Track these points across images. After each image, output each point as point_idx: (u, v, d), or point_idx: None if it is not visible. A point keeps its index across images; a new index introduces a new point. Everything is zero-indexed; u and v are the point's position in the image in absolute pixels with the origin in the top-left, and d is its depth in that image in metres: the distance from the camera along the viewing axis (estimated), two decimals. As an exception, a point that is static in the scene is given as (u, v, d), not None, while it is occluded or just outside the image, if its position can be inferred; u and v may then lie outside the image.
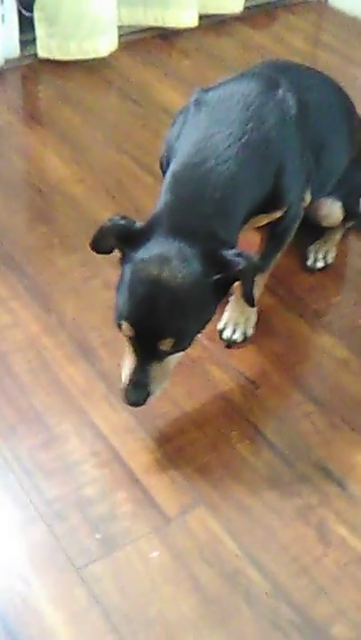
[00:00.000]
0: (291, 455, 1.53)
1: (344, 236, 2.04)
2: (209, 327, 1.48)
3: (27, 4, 2.65)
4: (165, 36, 2.93)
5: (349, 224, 2.01)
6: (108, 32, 2.70)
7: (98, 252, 1.49)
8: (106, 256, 1.50)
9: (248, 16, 3.09)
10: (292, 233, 1.73)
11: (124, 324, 1.39)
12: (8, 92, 2.61)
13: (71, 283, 1.88)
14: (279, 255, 1.76)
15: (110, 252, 1.48)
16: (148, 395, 1.42)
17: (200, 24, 2.96)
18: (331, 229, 1.98)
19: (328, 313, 1.87)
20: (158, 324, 1.37)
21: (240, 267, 1.40)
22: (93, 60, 2.72)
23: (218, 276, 1.40)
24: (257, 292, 1.62)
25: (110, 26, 2.71)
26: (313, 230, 1.96)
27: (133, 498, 1.44)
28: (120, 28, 2.78)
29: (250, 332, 1.75)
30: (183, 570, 1.34)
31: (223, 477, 1.49)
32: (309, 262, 1.97)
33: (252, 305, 1.53)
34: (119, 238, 1.44)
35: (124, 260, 1.44)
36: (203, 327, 1.45)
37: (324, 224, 1.96)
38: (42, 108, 2.60)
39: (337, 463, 1.52)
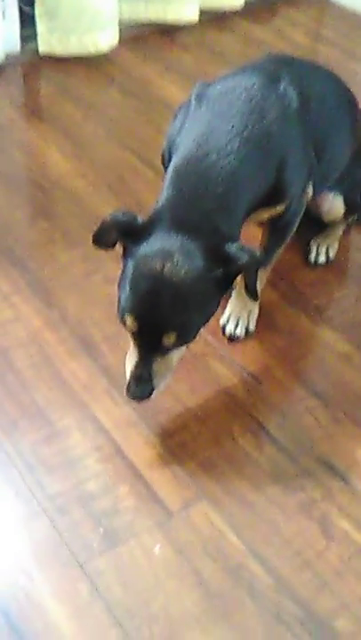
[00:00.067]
0: (294, 450, 1.53)
1: (346, 231, 2.04)
2: (211, 322, 1.48)
3: (27, -1, 2.65)
4: (166, 30, 2.93)
5: (351, 219, 2.01)
6: (108, 27, 2.70)
7: (100, 247, 1.49)
8: (108, 251, 1.50)
9: (249, 11, 3.09)
10: (294, 227, 1.73)
11: (128, 319, 1.39)
12: (9, 87, 2.61)
13: (73, 278, 1.88)
14: (281, 249, 1.76)
15: (112, 246, 1.48)
16: (151, 389, 1.42)
17: (201, 19, 2.96)
18: (333, 224, 1.98)
19: (330, 308, 1.87)
20: (161, 318, 1.37)
21: (243, 261, 1.40)
22: (94, 55, 2.72)
23: (220, 271, 1.40)
24: (259, 286, 1.62)
25: (111, 21, 2.70)
26: (315, 225, 1.96)
27: (136, 492, 1.44)
28: (121, 22, 2.78)
29: (252, 326, 1.76)
30: (186, 564, 1.34)
31: (226, 472, 1.49)
32: (311, 257, 1.97)
33: (256, 299, 1.53)
34: (121, 233, 1.43)
35: (126, 254, 1.44)
36: (206, 322, 1.45)
37: (326, 219, 1.95)
38: (43, 103, 2.60)
39: (340, 457, 1.52)
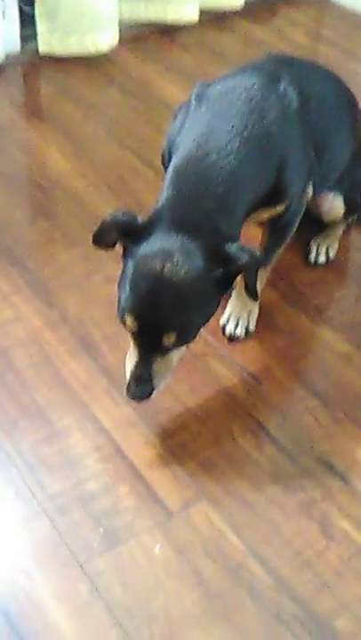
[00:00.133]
0: (294, 450, 1.53)
1: (346, 231, 2.04)
2: (211, 322, 1.48)
3: (27, -1, 2.65)
4: (166, 30, 2.93)
5: (351, 219, 2.01)
6: (108, 27, 2.70)
7: (100, 247, 1.49)
8: (108, 251, 1.50)
9: (249, 11, 3.09)
10: (294, 227, 1.73)
11: (129, 319, 1.39)
12: (9, 87, 2.61)
13: (73, 278, 1.88)
14: (281, 249, 1.76)
15: (112, 246, 1.48)
16: (151, 389, 1.42)
17: (201, 19, 2.96)
18: (333, 224, 1.98)
19: (330, 308, 1.87)
20: (161, 318, 1.37)
21: (243, 261, 1.40)
22: (94, 55, 2.72)
23: (220, 271, 1.40)
24: (259, 286, 1.62)
25: (111, 21, 2.70)
26: (315, 225, 1.96)
27: (136, 492, 1.44)
28: (121, 22, 2.78)
29: (252, 326, 1.76)
30: (186, 564, 1.34)
31: (226, 472, 1.49)
32: (311, 257, 1.97)
33: (256, 299, 1.53)
34: (121, 233, 1.43)
35: (126, 254, 1.44)
36: (206, 322, 1.45)
37: (326, 219, 1.95)
38: (43, 103, 2.60)
39: (340, 457, 1.52)
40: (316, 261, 1.96)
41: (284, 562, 1.35)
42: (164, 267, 1.36)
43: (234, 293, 1.74)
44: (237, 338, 1.74)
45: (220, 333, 1.75)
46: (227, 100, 1.55)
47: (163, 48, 2.85)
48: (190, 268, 1.36)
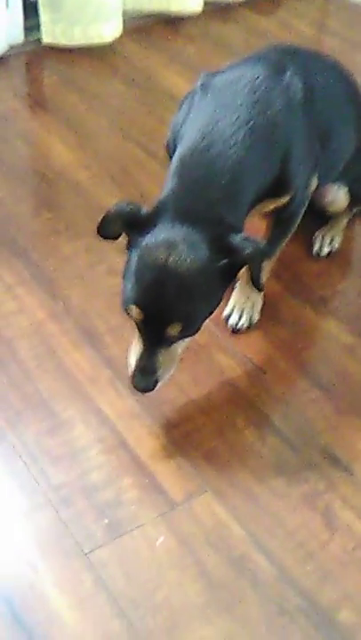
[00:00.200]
0: (297, 441, 1.53)
1: (350, 223, 2.04)
2: (215, 313, 1.47)
3: (31, -11, 2.64)
4: (170, 21, 2.92)
5: (355, 210, 2.01)
6: (112, 18, 2.69)
7: (104, 238, 1.49)
8: (111, 242, 1.50)
9: (253, 1, 3.07)
10: (299, 218, 1.73)
11: (133, 308, 1.39)
12: (12, 78, 2.60)
13: (77, 269, 1.88)
14: (285, 241, 1.76)
15: (117, 237, 1.47)
16: (156, 381, 1.42)
17: (205, 9, 2.94)
18: (337, 215, 1.98)
19: (334, 299, 1.86)
20: (166, 309, 1.37)
21: (247, 252, 1.39)
22: (98, 45, 2.71)
23: (225, 261, 1.39)
24: (263, 277, 1.62)
25: (115, 11, 2.70)
26: (319, 216, 1.95)
27: (139, 483, 1.45)
28: (125, 13, 2.77)
29: (256, 317, 1.75)
30: (189, 555, 1.34)
31: (230, 463, 1.49)
32: (315, 249, 1.96)
33: (260, 290, 1.53)
34: (126, 224, 1.43)
35: (130, 245, 1.43)
36: (210, 313, 1.45)
37: (330, 210, 1.95)
38: (46, 94, 2.59)
39: (344, 449, 1.52)
40: (320, 253, 1.96)
41: (288, 553, 1.35)
42: (168, 257, 1.36)
43: (238, 284, 1.73)
44: (241, 329, 1.74)
45: (224, 324, 1.74)
46: (232, 91, 1.54)
47: (167, 39, 2.84)
48: (195, 258, 1.36)
